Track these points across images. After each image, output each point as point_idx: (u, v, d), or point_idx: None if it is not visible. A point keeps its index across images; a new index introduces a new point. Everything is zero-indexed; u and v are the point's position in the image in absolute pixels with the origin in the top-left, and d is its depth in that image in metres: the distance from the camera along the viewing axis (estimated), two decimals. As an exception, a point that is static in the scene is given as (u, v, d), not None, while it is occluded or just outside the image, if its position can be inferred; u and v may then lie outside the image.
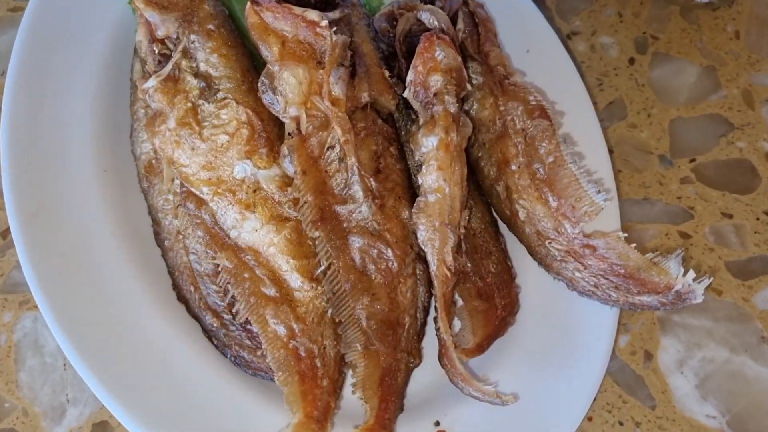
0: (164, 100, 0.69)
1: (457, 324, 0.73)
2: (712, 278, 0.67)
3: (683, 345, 0.79)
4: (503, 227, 0.77)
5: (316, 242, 0.68)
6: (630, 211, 0.85)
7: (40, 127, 0.75)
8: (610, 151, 0.87)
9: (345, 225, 0.69)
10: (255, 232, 0.69)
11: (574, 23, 0.95)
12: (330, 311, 0.69)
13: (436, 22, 0.75)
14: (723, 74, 0.92)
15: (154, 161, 0.75)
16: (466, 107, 0.77)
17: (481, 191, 0.78)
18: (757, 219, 0.84)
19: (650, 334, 0.79)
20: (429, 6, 0.76)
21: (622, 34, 0.94)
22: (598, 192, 0.69)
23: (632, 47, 0.93)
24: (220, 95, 0.69)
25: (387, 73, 0.73)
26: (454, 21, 0.79)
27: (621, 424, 0.75)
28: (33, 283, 0.69)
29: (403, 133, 0.76)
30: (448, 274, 0.67)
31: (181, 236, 0.73)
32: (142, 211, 0.76)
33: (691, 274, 0.67)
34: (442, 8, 0.80)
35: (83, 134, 0.77)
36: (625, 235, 0.69)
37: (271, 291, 0.69)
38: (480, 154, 0.77)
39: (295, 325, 0.68)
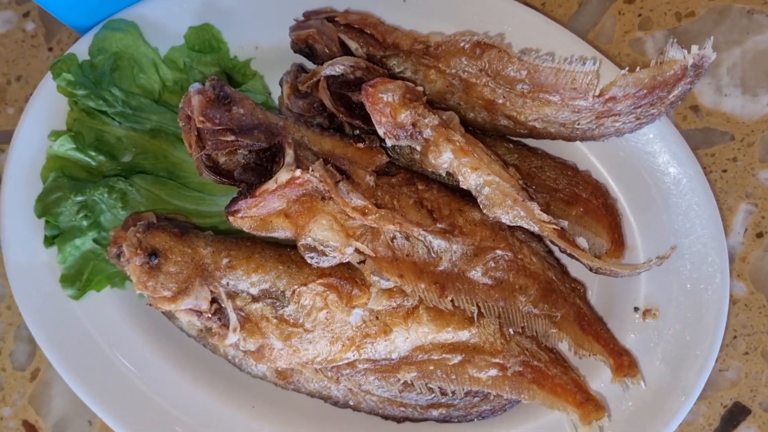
0: (257, 338, 0.71)
1: (581, 242, 0.79)
2: (711, 38, 0.72)
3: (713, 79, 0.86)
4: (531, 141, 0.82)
5: (453, 303, 0.73)
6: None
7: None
8: None
9: (457, 271, 0.73)
10: (407, 340, 0.74)
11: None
12: (509, 330, 0.75)
13: (340, 67, 0.74)
14: None
15: (279, 368, 0.78)
16: (419, 94, 0.78)
17: (486, 133, 0.81)
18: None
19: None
20: (327, 63, 0.74)
21: None
22: (584, 63, 0.73)
23: None
24: (287, 294, 0.71)
25: (360, 145, 0.73)
26: (344, 47, 0.78)
27: (725, 171, 0.84)
28: None
29: (406, 161, 0.78)
30: (553, 226, 0.72)
31: (356, 389, 0.78)
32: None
33: (694, 48, 0.72)
34: (326, 47, 0.78)
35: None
36: (627, 69, 0.73)
37: (457, 358, 0.75)
38: (464, 113, 0.79)
39: (496, 360, 0.75)
